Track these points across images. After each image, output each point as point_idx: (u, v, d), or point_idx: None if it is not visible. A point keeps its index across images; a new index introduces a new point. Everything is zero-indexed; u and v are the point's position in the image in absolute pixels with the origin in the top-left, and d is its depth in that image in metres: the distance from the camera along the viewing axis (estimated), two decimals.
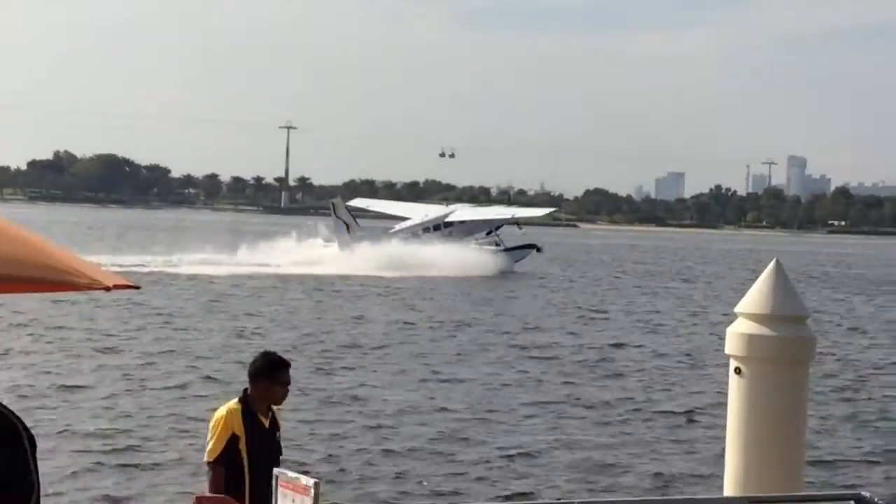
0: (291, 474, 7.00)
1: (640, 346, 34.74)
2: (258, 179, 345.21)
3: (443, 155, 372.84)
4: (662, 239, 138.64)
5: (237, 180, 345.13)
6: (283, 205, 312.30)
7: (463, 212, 77.24)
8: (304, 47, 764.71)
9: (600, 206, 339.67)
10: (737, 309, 8.58)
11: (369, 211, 77.76)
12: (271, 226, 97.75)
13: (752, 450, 8.35)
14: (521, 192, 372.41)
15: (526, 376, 27.36)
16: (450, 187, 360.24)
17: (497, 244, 72.06)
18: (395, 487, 16.32)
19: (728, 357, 8.60)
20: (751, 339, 8.38)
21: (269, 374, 8.25)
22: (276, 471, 8.66)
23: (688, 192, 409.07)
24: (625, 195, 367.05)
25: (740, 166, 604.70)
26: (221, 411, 8.21)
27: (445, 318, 40.16)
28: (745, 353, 8.42)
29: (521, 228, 76.65)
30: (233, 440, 8.08)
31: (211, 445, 8.14)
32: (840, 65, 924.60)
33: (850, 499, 7.20)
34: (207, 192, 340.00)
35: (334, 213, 70.69)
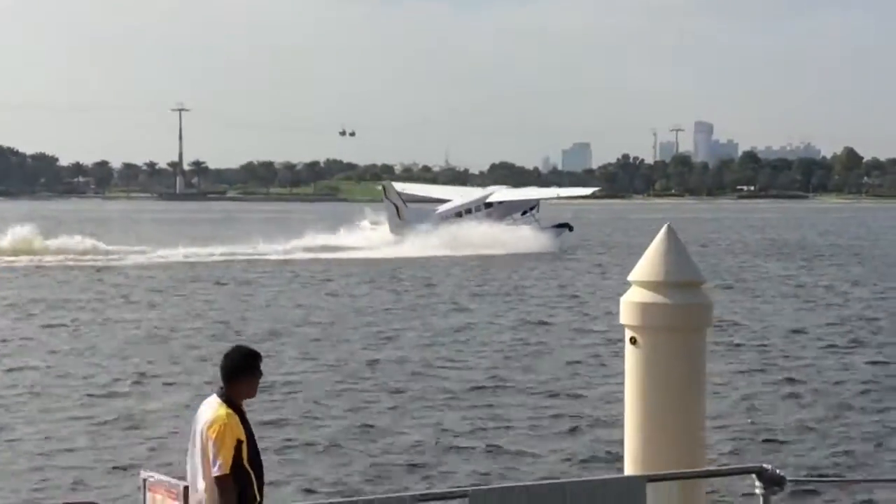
0: (161, 477, 6.72)
1: (555, 325, 34.86)
2: (151, 165, 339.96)
3: (343, 134, 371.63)
4: (575, 210, 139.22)
5: (129, 167, 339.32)
6: (178, 190, 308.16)
7: (503, 193, 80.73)
8: (196, 29, 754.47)
9: (507, 179, 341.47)
10: (630, 277, 8.44)
11: (404, 194, 79.11)
12: (171, 213, 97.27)
13: (652, 423, 8.24)
14: (426, 169, 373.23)
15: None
16: (352, 166, 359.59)
17: (536, 223, 75.31)
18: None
19: (623, 327, 8.47)
20: (645, 308, 8.25)
21: (252, 368, 7.95)
22: (143, 474, 8.33)
23: (595, 162, 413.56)
24: (531, 168, 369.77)
25: (647, 134, 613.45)
26: (221, 418, 7.72)
27: None
28: (639, 323, 8.30)
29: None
30: (238, 447, 7.70)
31: (222, 458, 7.61)
32: (740, 30, 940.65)
33: (752, 472, 7.13)
34: (98, 180, 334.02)
35: (385, 195, 74.12)
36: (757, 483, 7.02)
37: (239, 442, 7.67)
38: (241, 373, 7.89)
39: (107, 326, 33.22)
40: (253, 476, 7.72)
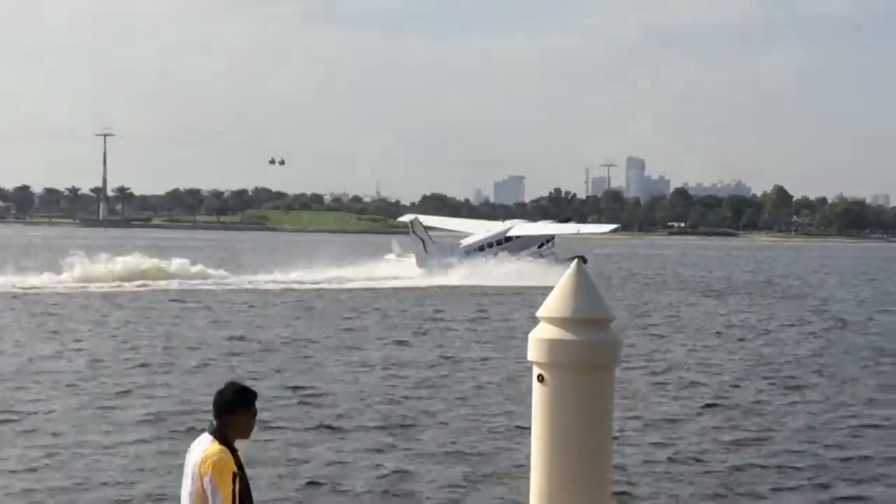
0: None
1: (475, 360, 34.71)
2: (73, 190, 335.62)
3: (273, 162, 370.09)
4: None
5: (50, 192, 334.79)
6: (101, 217, 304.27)
7: (522, 227, 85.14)
8: (120, 53, 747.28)
9: (439, 211, 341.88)
10: (538, 313, 8.36)
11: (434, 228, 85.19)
12: (96, 239, 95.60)
13: (558, 464, 8.12)
14: (357, 199, 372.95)
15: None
16: (281, 195, 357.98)
17: (555, 256, 79.04)
18: None
19: (531, 364, 8.37)
20: (553, 345, 8.16)
21: (242, 406, 7.91)
22: None
23: (528, 196, 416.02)
24: (463, 200, 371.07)
25: (580, 169, 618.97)
26: (215, 453, 7.71)
27: None
28: (547, 360, 8.20)
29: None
30: (234, 481, 7.70)
31: (223, 493, 7.60)
32: (675, 67, 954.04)
33: None
34: (19, 205, 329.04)
35: (412, 230, 77.71)
36: None
37: (234, 475, 7.65)
38: (231, 410, 7.85)
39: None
40: None
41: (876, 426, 24.53)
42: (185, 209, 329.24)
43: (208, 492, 7.55)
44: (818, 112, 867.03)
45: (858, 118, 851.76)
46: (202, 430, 8.07)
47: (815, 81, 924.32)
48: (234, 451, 7.84)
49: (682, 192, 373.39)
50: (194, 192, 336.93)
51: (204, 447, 7.77)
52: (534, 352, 8.31)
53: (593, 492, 8.14)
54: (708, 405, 26.60)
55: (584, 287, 8.23)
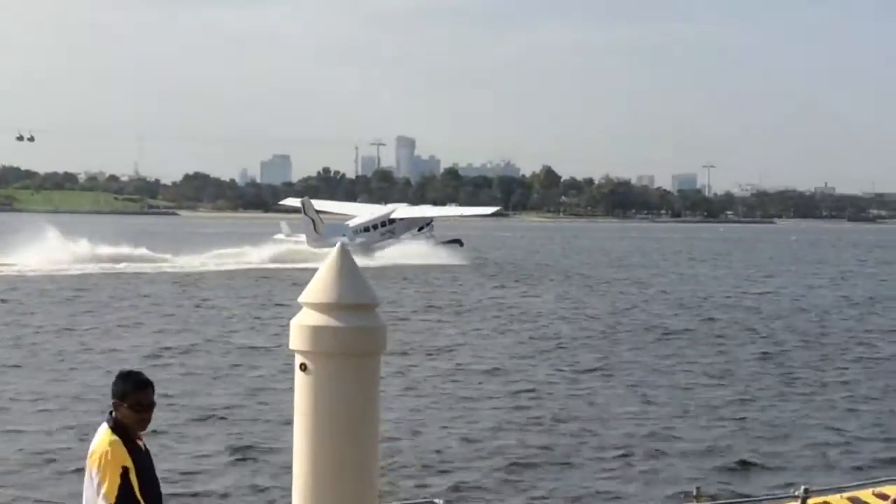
0: None
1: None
2: None
3: (21, 138, 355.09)
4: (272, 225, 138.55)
5: None
6: None
7: (404, 210, 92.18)
8: None
9: (202, 191, 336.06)
10: (300, 299, 8.20)
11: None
12: None
13: (321, 455, 7.98)
14: (114, 178, 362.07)
15: None
16: (30, 174, 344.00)
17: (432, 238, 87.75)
18: None
19: (293, 353, 8.21)
20: (316, 332, 8.02)
21: (133, 394, 7.75)
22: None
23: (295, 175, 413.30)
24: (228, 179, 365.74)
25: (349, 147, 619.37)
26: (103, 445, 7.58)
27: None
28: (310, 348, 8.05)
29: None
30: (125, 475, 7.52)
31: (106, 487, 7.44)
32: (444, 46, 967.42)
33: None
34: None
35: (304, 211, 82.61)
36: None
37: (125, 469, 7.51)
38: (122, 398, 7.73)
39: None
40: None
41: (651, 402, 25.50)
42: None
43: (95, 484, 7.44)
44: (584, 92, 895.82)
45: (622, 99, 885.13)
46: None
47: (580, 61, 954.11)
48: (131, 441, 7.68)
49: (452, 173, 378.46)
50: None
51: (98, 438, 7.67)
52: (296, 339, 8.13)
53: (360, 481, 8.03)
54: (483, 386, 27.04)
55: (348, 271, 8.11)
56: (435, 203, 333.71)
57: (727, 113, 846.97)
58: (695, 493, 11.83)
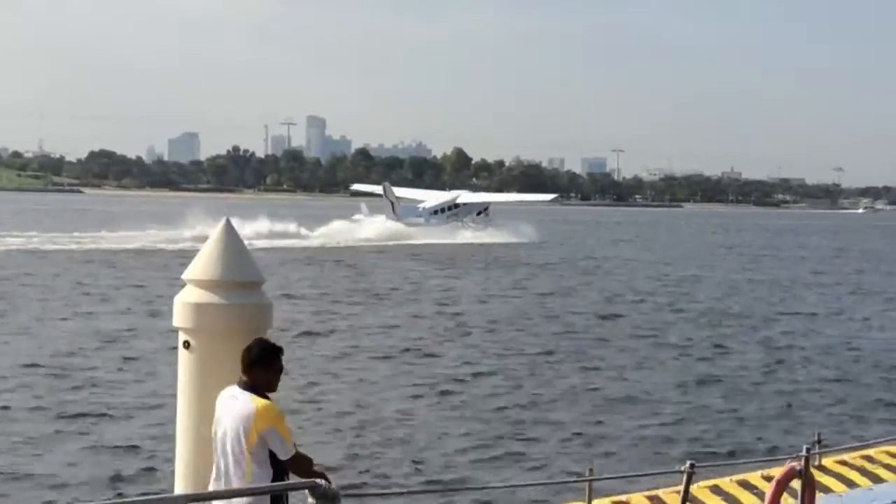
0: None
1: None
2: None
3: None
4: (181, 204, 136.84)
5: None
6: None
7: (467, 196, 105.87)
8: None
9: (107, 169, 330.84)
10: (185, 275, 8.09)
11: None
12: None
13: (206, 434, 7.87)
14: (17, 154, 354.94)
15: None
16: None
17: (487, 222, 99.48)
18: None
19: (177, 330, 8.10)
20: (200, 309, 7.94)
21: (272, 361, 7.87)
22: None
23: (203, 153, 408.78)
24: (135, 157, 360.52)
25: (258, 127, 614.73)
26: (264, 401, 7.72)
27: None
28: (194, 325, 7.99)
29: None
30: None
31: (286, 437, 7.69)
32: (357, 25, 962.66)
33: (304, 487, 6.95)
34: None
35: (385, 194, 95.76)
36: (311, 499, 6.83)
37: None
38: (260, 365, 7.79)
39: None
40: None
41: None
42: None
43: (277, 443, 7.61)
44: (496, 76, 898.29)
45: (533, 82, 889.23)
46: None
47: (493, 44, 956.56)
48: None
49: (363, 153, 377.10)
50: None
51: (249, 402, 7.67)
52: (180, 317, 8.06)
53: None
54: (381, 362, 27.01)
55: (233, 248, 8.03)
56: (347, 184, 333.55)
57: (637, 97, 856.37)
58: (588, 472, 11.90)
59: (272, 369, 7.94)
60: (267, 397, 7.88)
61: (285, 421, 7.79)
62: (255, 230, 78.91)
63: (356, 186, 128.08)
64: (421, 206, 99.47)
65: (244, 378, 7.88)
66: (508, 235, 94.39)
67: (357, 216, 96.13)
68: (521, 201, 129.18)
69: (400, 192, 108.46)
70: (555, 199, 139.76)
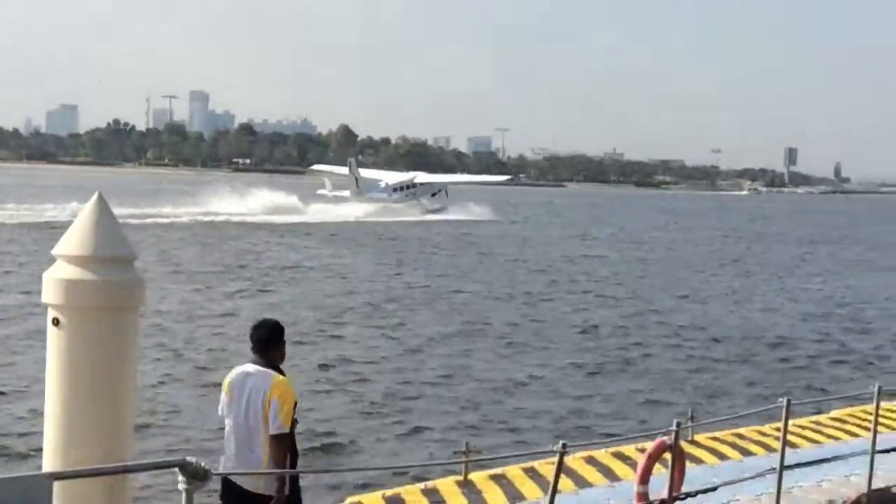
0: None
1: None
2: None
3: None
4: (56, 177, 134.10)
5: None
6: None
7: (424, 176, 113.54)
8: None
9: None
10: (54, 251, 7.91)
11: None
12: None
13: (74, 413, 7.72)
14: None
15: None
16: None
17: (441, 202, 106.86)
18: None
19: (46, 307, 7.92)
20: (70, 285, 7.75)
21: (281, 337, 9.03)
22: None
23: (82, 126, 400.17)
24: (11, 129, 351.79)
25: (140, 100, 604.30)
26: (284, 382, 8.65)
27: None
28: (63, 302, 7.78)
29: None
30: (294, 408, 8.65)
31: (282, 417, 8.44)
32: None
33: (174, 465, 6.85)
34: None
35: (350, 170, 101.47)
36: (180, 477, 6.74)
37: (295, 403, 8.62)
38: (277, 340, 8.94)
39: None
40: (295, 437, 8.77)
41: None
42: None
43: (270, 415, 8.38)
44: (382, 53, 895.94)
45: (419, 60, 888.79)
46: None
47: (380, 19, 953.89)
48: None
49: (247, 128, 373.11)
50: None
51: (269, 376, 8.63)
52: (49, 293, 7.85)
53: (113, 439, 7.81)
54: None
55: (104, 223, 7.86)
56: (231, 159, 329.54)
57: (522, 77, 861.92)
58: (464, 448, 12.03)
59: (282, 343, 9.02)
60: (281, 371, 8.78)
61: (291, 402, 8.50)
62: (262, 204, 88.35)
63: (317, 167, 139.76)
64: (382, 182, 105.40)
65: (257, 356, 8.84)
66: (465, 214, 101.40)
67: (321, 191, 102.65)
68: (474, 181, 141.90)
69: (365, 172, 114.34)
70: (509, 179, 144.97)
